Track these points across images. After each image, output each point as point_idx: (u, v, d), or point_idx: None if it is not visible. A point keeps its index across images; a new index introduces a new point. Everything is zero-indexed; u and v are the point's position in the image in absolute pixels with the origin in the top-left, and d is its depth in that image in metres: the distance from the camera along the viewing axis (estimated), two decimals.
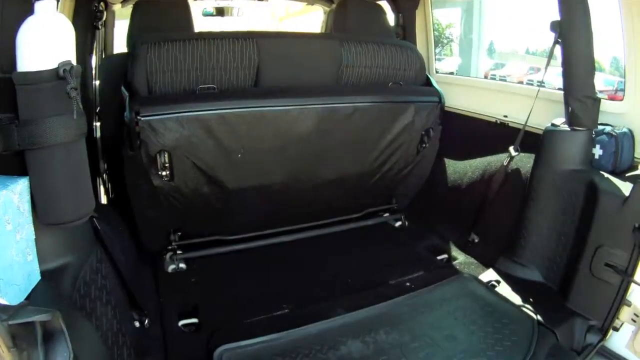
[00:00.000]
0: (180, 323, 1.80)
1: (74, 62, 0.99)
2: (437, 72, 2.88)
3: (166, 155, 1.78)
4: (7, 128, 0.94)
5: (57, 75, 0.96)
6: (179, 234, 2.16)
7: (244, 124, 1.84)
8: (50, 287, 1.01)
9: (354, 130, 2.07)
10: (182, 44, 1.79)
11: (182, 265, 2.15)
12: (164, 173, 1.81)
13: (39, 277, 1.02)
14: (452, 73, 3.45)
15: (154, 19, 2.13)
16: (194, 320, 1.82)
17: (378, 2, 2.81)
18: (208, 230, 2.24)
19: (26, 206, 0.98)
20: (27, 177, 0.99)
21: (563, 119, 1.99)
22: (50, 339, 0.66)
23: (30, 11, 0.92)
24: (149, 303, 1.84)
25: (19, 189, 0.95)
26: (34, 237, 1.01)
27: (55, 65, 0.95)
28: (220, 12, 3.85)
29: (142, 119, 1.67)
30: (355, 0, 2.76)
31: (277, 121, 1.90)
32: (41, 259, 1.05)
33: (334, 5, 3.21)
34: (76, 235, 1.24)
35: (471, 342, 1.67)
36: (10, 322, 0.60)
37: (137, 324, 1.66)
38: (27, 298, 0.96)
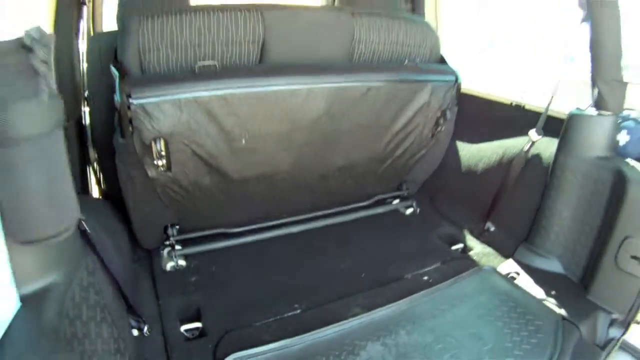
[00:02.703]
0: (183, 328, 1.66)
1: (48, 31, 0.76)
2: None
3: (162, 143, 1.59)
4: None
5: (23, 46, 0.75)
6: (177, 228, 2.00)
7: (248, 105, 1.65)
8: (32, 316, 0.84)
9: (367, 112, 1.90)
10: (178, 16, 1.57)
11: (181, 262, 1.98)
12: (160, 163, 1.62)
13: (18, 304, 0.85)
14: None
15: None
16: (197, 324, 1.68)
17: None
18: (208, 224, 2.08)
19: None
20: None
21: (588, 102, 1.87)
22: None
23: None
24: (147, 307, 1.69)
25: None
26: (6, 257, 0.82)
27: (17, 34, 0.73)
28: None
29: (135, 102, 1.46)
30: None
31: (284, 102, 1.72)
32: (19, 282, 0.86)
33: None
34: (60, 249, 1.02)
35: (497, 340, 1.57)
36: None
37: (135, 332, 1.51)
38: (6, 332, 0.79)
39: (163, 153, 1.61)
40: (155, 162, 1.62)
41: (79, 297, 1.08)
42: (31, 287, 0.90)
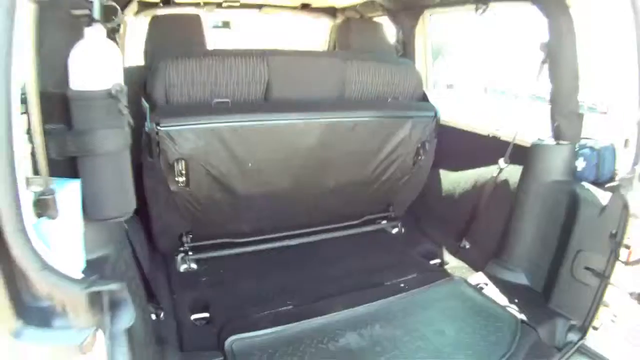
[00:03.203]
0: (193, 317, 1.96)
1: (122, 82, 1.14)
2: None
3: (183, 163, 1.94)
4: (61, 137, 1.07)
5: (110, 95, 1.11)
6: (190, 236, 2.32)
7: (255, 135, 2.01)
8: (95, 273, 1.16)
9: (355, 142, 2.22)
10: (198, 60, 1.95)
11: (193, 265, 2.31)
12: (180, 179, 1.97)
13: (84, 266, 1.16)
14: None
15: (170, 33, 2.28)
16: (205, 314, 1.99)
17: (379, 20, 3.00)
18: (218, 234, 2.40)
19: (77, 204, 1.11)
20: (79, 180, 1.11)
21: (549, 133, 2.14)
22: (115, 306, 0.82)
23: (80, 36, 1.06)
24: (163, 299, 1.99)
25: (72, 188, 1.07)
26: (82, 230, 1.13)
27: (106, 86, 1.09)
28: (226, 24, 4.07)
29: (162, 129, 1.82)
30: (358, 19, 2.93)
31: (284, 134, 2.07)
32: (87, 250, 1.15)
33: (338, 21, 3.40)
34: (114, 231, 1.38)
35: (458, 337, 1.83)
36: (87, 290, 0.76)
37: (153, 316, 1.81)
38: None
39: (183, 172, 1.96)
40: (176, 178, 1.97)
41: (122, 269, 1.40)
42: (94, 255, 1.20)
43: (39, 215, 0.83)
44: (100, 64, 1.04)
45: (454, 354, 1.74)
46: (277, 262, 2.42)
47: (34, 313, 0.75)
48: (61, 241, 0.91)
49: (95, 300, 0.80)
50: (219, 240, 2.41)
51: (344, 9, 3.28)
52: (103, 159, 1.13)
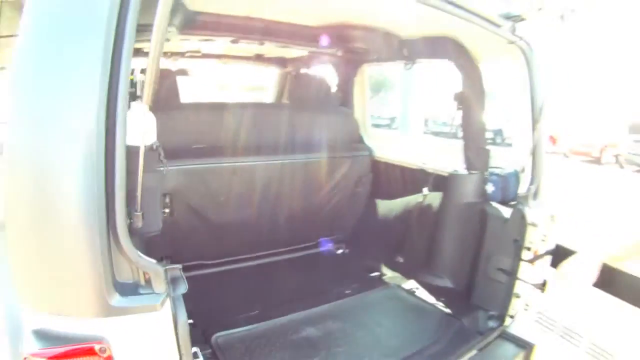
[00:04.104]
0: None
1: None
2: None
3: (169, 197, 2.26)
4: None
5: (152, 148, 1.35)
6: (169, 260, 2.52)
7: (226, 174, 2.40)
8: None
9: (304, 179, 2.65)
10: (177, 113, 2.36)
11: None
12: (166, 210, 2.26)
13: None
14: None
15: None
16: (190, 321, 2.17)
17: (324, 70, 3.48)
18: (195, 256, 2.67)
19: None
20: None
21: (463, 165, 2.63)
22: (174, 280, 1.20)
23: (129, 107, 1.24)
24: None
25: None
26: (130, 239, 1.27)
27: (148, 143, 1.28)
28: (186, 73, 4.41)
29: None
30: (304, 73, 3.43)
31: (248, 172, 2.48)
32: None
33: (288, 70, 3.87)
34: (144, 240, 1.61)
35: (393, 328, 2.20)
36: (164, 268, 1.12)
37: None
38: None
39: (168, 203, 2.27)
40: (163, 209, 2.23)
41: None
42: None
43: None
44: (141, 126, 1.19)
45: (389, 340, 2.09)
46: (245, 278, 2.72)
47: (124, 288, 1.06)
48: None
49: (164, 276, 1.12)
50: (196, 262, 2.67)
51: (293, 59, 3.73)
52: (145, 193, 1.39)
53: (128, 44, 0.97)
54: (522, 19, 2.00)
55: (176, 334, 1.15)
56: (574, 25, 1.99)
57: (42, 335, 0.97)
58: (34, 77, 0.93)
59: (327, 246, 3.18)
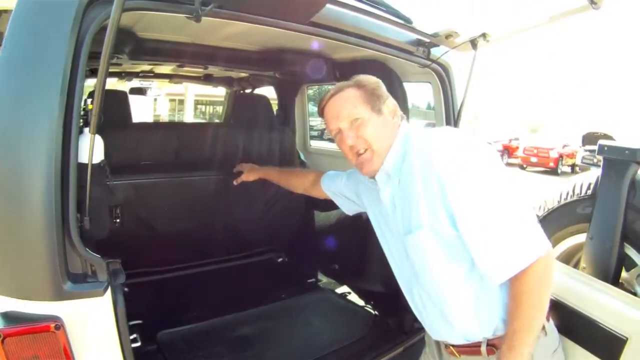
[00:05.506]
0: (129, 323, 2.28)
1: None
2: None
3: (119, 209, 2.39)
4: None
5: (99, 165, 1.57)
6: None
7: (170, 188, 2.59)
8: None
9: (243, 192, 2.79)
10: (127, 131, 2.55)
11: (125, 289, 2.61)
12: (117, 220, 2.39)
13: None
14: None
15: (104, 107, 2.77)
16: (139, 321, 2.31)
17: (266, 89, 3.72)
18: (143, 263, 2.79)
19: None
20: None
21: None
22: (114, 272, 1.41)
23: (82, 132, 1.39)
24: None
25: None
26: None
27: (96, 161, 1.45)
28: (139, 91, 4.48)
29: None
30: (246, 94, 3.67)
31: (190, 186, 2.68)
32: None
33: (234, 89, 4.09)
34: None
35: (323, 328, 2.45)
36: (106, 261, 1.33)
37: None
38: None
39: (119, 214, 2.40)
40: (114, 220, 2.37)
41: None
42: None
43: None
44: (91, 147, 1.36)
45: (318, 339, 2.34)
46: (190, 284, 2.87)
47: (75, 277, 1.26)
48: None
49: (106, 268, 1.33)
50: (145, 269, 2.80)
51: (239, 79, 3.95)
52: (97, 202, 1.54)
53: (79, 86, 1.22)
54: (435, 45, 2.09)
55: (115, 315, 1.34)
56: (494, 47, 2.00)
57: (7, 317, 1.16)
58: (8, 113, 1.17)
59: (267, 255, 3.38)
